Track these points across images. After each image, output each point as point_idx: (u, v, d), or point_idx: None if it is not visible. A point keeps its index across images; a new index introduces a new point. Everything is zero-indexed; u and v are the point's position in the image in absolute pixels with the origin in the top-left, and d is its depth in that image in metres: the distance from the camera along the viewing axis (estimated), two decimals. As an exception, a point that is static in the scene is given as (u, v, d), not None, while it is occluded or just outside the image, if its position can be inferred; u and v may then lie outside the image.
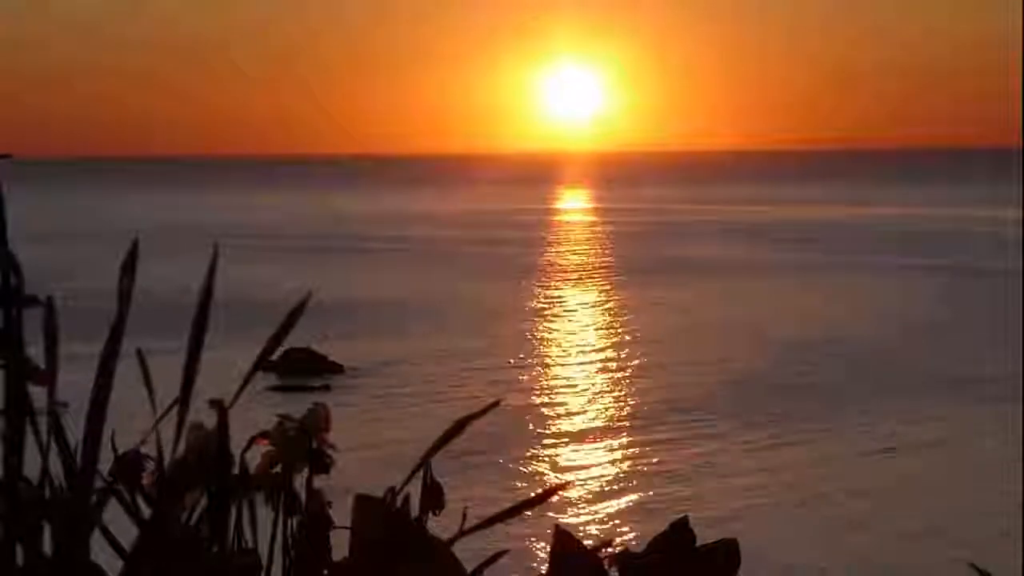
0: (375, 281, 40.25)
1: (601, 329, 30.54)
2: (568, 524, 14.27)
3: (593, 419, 20.54)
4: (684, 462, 17.88)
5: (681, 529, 2.88)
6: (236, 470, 2.32)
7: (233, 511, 2.30)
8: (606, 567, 2.80)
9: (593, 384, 23.44)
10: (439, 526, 2.48)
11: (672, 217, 74.44)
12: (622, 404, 21.60)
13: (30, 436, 2.17)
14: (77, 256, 47.28)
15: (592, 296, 37.21)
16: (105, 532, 2.25)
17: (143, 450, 2.33)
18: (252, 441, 2.41)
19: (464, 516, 2.41)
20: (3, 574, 2.12)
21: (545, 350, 27.25)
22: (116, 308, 2.20)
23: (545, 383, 23.44)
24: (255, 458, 2.40)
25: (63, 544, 2.15)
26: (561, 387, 23.08)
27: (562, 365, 25.43)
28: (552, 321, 31.84)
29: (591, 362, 25.72)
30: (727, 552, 2.88)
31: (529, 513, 2.61)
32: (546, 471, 17.45)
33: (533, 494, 2.48)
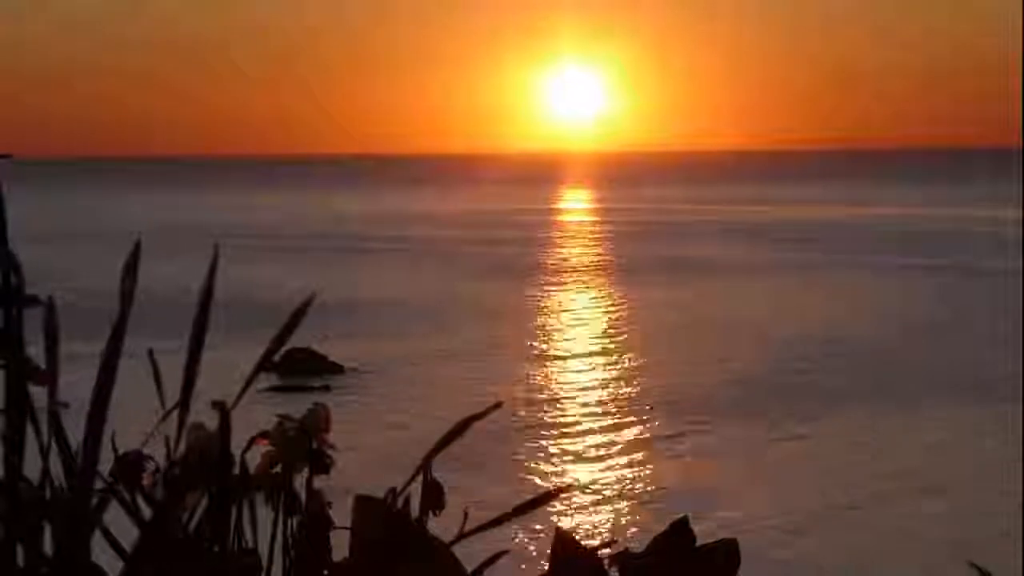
0: (375, 281, 40.24)
1: (602, 329, 30.53)
2: (568, 524, 14.29)
3: (593, 419, 20.54)
4: (684, 462, 17.88)
5: (681, 529, 2.88)
6: (236, 470, 2.32)
7: (233, 511, 2.30)
8: (606, 567, 2.80)
9: (594, 384, 23.44)
10: (440, 527, 2.48)
11: (673, 217, 74.44)
12: (622, 404, 21.60)
13: (30, 436, 2.17)
14: (77, 256, 47.28)
15: (593, 296, 37.21)
16: (106, 533, 2.25)
17: (143, 450, 2.33)
18: (252, 441, 2.41)
19: (465, 517, 2.41)
20: (4, 574, 2.12)
21: (545, 350, 27.24)
22: (118, 308, 2.20)
23: (545, 383, 23.44)
24: (255, 458, 2.40)
25: (64, 545, 2.15)
26: (561, 387, 23.08)
27: (562, 365, 25.43)
28: (553, 321, 31.84)
29: (592, 362, 25.72)
30: (727, 552, 2.87)
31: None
32: (546, 471, 17.45)
33: (534, 496, 2.47)
